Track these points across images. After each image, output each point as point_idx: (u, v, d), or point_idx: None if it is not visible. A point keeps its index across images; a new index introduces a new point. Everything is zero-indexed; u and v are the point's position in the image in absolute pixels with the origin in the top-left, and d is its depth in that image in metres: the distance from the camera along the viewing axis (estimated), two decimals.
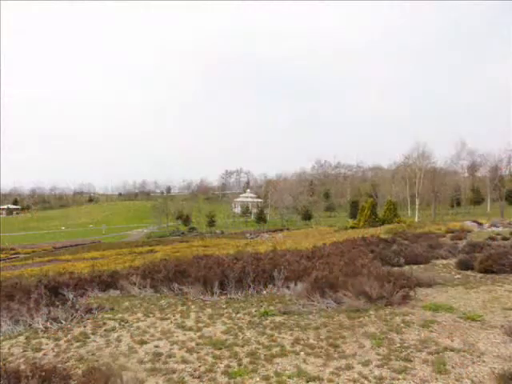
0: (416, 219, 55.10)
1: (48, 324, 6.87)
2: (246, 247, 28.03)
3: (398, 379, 4.21)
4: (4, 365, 4.54)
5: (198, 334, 6.16)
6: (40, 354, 5.57)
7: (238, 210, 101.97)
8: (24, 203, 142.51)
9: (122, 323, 6.95)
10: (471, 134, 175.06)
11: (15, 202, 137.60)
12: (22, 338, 6.37)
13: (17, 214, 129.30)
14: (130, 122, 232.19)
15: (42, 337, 6.38)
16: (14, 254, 42.78)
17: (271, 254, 13.08)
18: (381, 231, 26.66)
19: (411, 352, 4.92)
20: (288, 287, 8.77)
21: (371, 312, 6.81)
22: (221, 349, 5.40)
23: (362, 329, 5.95)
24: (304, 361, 4.84)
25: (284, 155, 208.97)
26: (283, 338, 5.76)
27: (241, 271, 9.21)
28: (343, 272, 8.56)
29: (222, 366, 4.83)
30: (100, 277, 10.56)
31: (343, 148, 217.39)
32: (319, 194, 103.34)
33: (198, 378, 4.54)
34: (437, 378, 4.18)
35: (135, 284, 9.78)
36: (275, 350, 5.26)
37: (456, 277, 10.01)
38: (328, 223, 66.99)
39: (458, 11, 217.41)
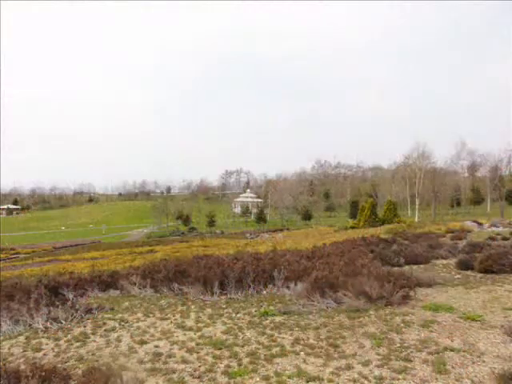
0: (416, 219, 55.09)
1: (48, 324, 6.88)
2: (245, 247, 28.04)
3: (398, 379, 4.21)
4: (4, 365, 4.54)
5: (198, 334, 6.16)
6: (40, 354, 5.57)
7: (238, 209, 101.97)
8: (24, 203, 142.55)
9: (122, 323, 6.95)
10: (471, 134, 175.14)
11: (15, 202, 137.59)
12: (22, 338, 6.37)
13: (17, 214, 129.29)
14: (129, 121, 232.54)
15: (42, 337, 6.38)
16: (14, 253, 42.78)
17: (271, 254, 13.08)
18: (381, 231, 26.66)
19: (411, 352, 4.92)
20: (288, 287, 8.77)
21: (371, 312, 6.81)
22: (221, 349, 5.40)
23: (362, 329, 5.95)
24: (304, 361, 4.84)
25: (284, 155, 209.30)
26: (283, 338, 5.76)
27: (241, 271, 9.21)
28: (343, 272, 8.56)
29: (222, 366, 4.83)
30: (100, 277, 10.56)
31: (343, 148, 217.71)
32: (319, 193, 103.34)
33: (198, 377, 4.54)
34: (437, 378, 4.18)
35: (135, 284, 9.78)
36: (275, 349, 5.26)
37: (456, 277, 10.01)
38: (328, 223, 66.99)
39: (457, 11, 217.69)
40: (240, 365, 4.82)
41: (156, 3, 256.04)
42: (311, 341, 5.55)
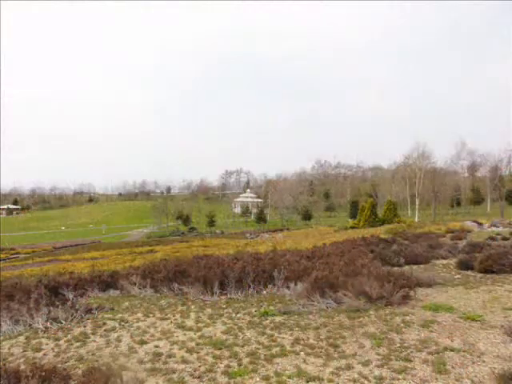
0: (416, 219, 55.08)
1: (48, 324, 6.88)
2: (246, 247, 28.04)
3: (398, 379, 4.21)
4: (4, 365, 4.54)
5: (198, 334, 6.16)
6: (40, 354, 5.57)
7: (238, 209, 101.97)
8: (24, 203, 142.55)
9: (122, 323, 6.95)
10: (471, 134, 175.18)
11: (15, 202, 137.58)
12: (22, 338, 6.37)
13: (17, 214, 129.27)
14: (129, 121, 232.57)
15: (42, 337, 6.38)
16: (14, 253, 42.77)
17: (271, 254, 13.08)
18: (381, 231, 26.67)
19: (411, 352, 4.91)
20: (288, 287, 8.77)
21: (371, 312, 6.80)
22: (221, 349, 5.39)
23: (362, 329, 5.95)
24: (304, 361, 4.84)
25: (284, 155, 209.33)
26: (283, 338, 5.75)
27: (241, 271, 9.21)
28: (343, 272, 8.56)
29: (222, 365, 4.83)
30: (100, 277, 10.56)
31: (343, 148, 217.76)
32: (319, 193, 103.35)
33: (198, 377, 4.54)
34: (437, 378, 4.18)
35: (135, 284, 9.78)
36: (275, 349, 5.26)
37: (456, 277, 10.00)
38: (328, 223, 66.99)
39: (458, 11, 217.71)
40: (240, 365, 4.82)
41: (156, 3, 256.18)
42: (311, 341, 5.55)
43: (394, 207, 40.44)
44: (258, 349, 5.33)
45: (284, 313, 7.04)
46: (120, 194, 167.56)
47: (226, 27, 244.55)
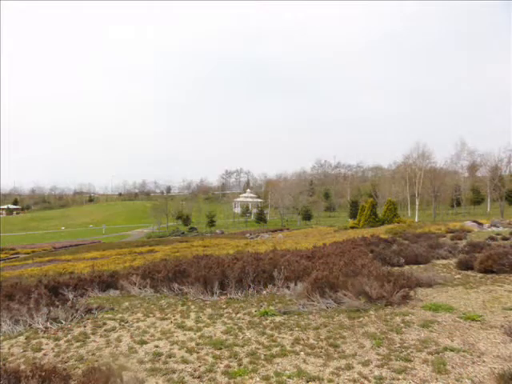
0: (416, 219, 55.08)
1: (48, 324, 6.88)
2: (246, 247, 28.01)
3: (398, 379, 4.21)
4: (4, 365, 4.53)
5: (198, 334, 6.16)
6: (40, 354, 5.57)
7: (237, 209, 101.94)
8: (24, 203, 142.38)
9: (122, 323, 6.95)
10: (471, 134, 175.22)
11: (15, 202, 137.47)
12: (22, 338, 6.37)
13: (17, 213, 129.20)
14: (130, 121, 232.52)
15: (42, 337, 6.38)
16: (14, 253, 42.73)
17: (271, 254, 13.08)
18: (381, 231, 26.68)
19: (411, 352, 4.91)
20: (288, 287, 8.77)
21: (371, 312, 6.81)
22: (221, 349, 5.39)
23: (362, 329, 5.95)
24: (304, 361, 4.84)
25: (284, 155, 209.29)
26: (283, 338, 5.75)
27: (241, 271, 9.21)
28: (343, 272, 8.56)
29: (222, 366, 4.83)
30: (100, 277, 10.56)
31: (343, 148, 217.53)
32: (319, 194, 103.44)
33: (198, 378, 4.54)
34: (437, 378, 4.18)
35: (135, 284, 9.78)
36: (275, 349, 5.26)
37: (456, 277, 10.00)
38: (328, 223, 67.01)
39: (458, 11, 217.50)
40: (240, 365, 4.82)
41: (156, 3, 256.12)
42: (311, 341, 5.55)
43: (394, 207, 40.45)
44: (258, 349, 5.33)
45: (284, 313, 7.04)
46: (120, 194, 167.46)
47: (226, 27, 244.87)
